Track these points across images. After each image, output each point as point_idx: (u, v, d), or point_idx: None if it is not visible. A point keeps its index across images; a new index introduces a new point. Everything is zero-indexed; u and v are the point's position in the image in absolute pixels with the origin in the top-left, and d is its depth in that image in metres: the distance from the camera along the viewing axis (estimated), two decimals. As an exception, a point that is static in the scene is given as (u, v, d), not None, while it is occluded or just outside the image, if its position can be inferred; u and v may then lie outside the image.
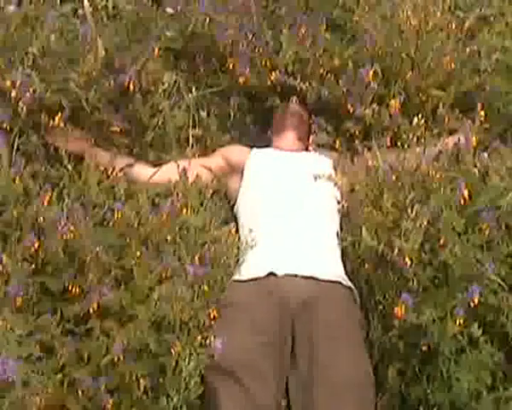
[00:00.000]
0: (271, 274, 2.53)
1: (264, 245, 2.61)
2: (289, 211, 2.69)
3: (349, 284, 2.59)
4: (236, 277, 2.56)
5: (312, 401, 2.33)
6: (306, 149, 3.00)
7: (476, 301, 2.32)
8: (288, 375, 2.41)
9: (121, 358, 2.16)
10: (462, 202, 2.51)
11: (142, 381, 2.19)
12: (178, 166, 2.73)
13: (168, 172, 2.76)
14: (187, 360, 2.22)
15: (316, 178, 2.72)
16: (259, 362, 2.35)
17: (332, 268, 2.60)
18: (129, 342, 2.20)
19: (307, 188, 2.75)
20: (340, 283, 2.56)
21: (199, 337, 2.29)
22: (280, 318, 2.46)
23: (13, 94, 2.54)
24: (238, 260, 2.60)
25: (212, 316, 2.37)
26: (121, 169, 2.75)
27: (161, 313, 2.27)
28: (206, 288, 2.40)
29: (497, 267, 2.40)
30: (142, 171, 2.80)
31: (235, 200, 2.86)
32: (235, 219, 2.82)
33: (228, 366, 2.30)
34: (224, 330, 2.33)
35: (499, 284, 2.38)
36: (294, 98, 3.07)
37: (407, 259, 2.43)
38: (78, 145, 2.74)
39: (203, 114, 3.05)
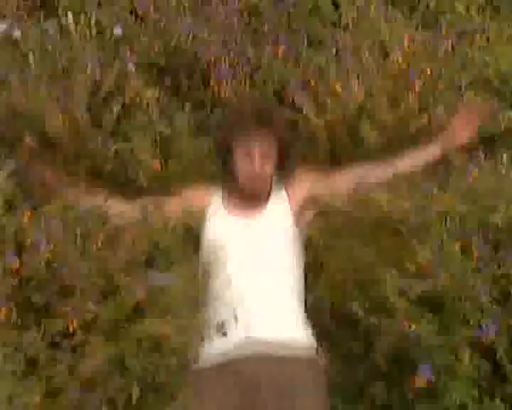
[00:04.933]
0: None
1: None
2: (246, 281, 2.56)
3: (312, 345, 2.53)
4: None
5: None
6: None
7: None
8: None
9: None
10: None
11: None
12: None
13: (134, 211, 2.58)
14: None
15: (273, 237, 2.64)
16: None
17: (292, 333, 2.53)
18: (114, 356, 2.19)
19: (263, 251, 2.62)
20: (301, 350, 2.51)
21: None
22: (240, 396, 2.43)
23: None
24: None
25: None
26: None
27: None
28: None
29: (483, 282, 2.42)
30: (113, 211, 2.58)
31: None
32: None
33: None
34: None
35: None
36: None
37: None
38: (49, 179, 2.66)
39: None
